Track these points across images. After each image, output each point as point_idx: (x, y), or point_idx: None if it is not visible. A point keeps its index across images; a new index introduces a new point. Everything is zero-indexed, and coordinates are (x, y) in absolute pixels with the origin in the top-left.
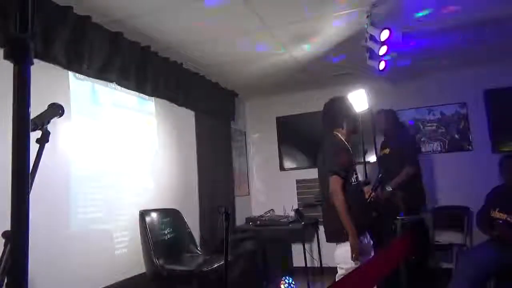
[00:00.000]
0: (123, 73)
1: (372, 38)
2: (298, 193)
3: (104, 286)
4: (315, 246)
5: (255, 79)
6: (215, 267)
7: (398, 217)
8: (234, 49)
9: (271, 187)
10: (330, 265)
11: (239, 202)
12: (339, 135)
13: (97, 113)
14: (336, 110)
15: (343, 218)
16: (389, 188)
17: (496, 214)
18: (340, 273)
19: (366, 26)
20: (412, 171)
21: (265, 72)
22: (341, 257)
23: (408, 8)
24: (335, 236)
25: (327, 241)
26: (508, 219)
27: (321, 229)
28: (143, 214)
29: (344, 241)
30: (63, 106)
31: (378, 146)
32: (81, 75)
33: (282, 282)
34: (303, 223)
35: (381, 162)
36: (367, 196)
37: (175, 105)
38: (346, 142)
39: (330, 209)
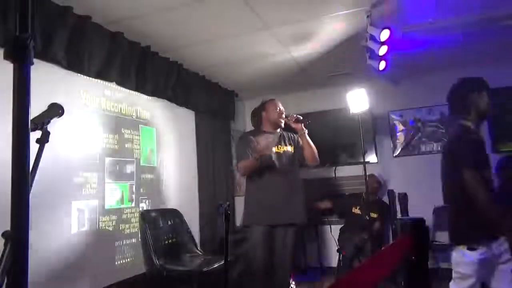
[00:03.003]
0: (123, 73)
1: (372, 38)
2: None
3: (104, 286)
4: (315, 246)
5: (255, 79)
6: (215, 267)
7: None
8: (234, 49)
9: None
10: (330, 265)
11: (239, 202)
12: (467, 123)
13: (96, 113)
14: (463, 92)
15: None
16: None
17: None
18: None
19: (366, 26)
20: None
21: (265, 72)
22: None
23: (408, 8)
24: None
25: (457, 244)
26: None
27: (321, 229)
28: (143, 214)
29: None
30: (63, 106)
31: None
32: (81, 75)
33: None
34: None
35: None
36: None
37: (175, 105)
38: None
39: (464, 207)
